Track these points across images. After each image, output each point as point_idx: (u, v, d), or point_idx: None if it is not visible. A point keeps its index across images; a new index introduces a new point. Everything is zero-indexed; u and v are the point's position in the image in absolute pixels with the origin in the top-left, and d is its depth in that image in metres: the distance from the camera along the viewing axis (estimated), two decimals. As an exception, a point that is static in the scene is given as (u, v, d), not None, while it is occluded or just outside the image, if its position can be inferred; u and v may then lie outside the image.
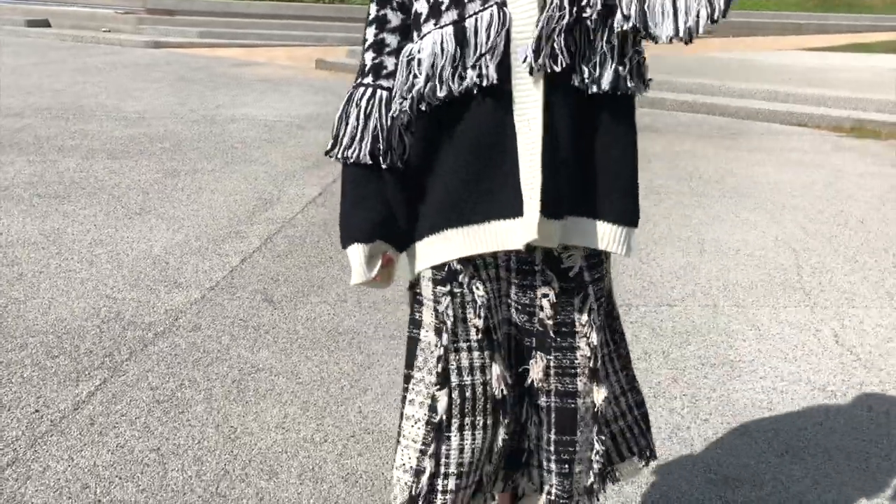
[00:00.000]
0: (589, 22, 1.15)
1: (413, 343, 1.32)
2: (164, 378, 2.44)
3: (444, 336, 1.27)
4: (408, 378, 1.33)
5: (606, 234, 1.26)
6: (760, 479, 2.07)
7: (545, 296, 1.29)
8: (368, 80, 1.26)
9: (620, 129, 1.25)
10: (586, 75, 1.18)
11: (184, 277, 3.22)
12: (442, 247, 1.26)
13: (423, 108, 1.21)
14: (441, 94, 1.18)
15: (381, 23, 1.25)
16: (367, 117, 1.25)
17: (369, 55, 1.26)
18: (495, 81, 1.17)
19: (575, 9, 1.14)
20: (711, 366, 2.67)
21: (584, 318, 1.30)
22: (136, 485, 1.94)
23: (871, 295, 3.34)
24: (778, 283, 3.44)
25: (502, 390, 1.29)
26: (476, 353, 1.28)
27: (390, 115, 1.24)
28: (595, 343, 1.31)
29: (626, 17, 1.14)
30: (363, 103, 1.25)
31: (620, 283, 3.28)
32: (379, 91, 1.25)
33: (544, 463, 1.36)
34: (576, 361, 1.31)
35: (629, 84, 1.20)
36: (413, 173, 1.27)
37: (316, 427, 2.22)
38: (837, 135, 7.05)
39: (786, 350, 2.80)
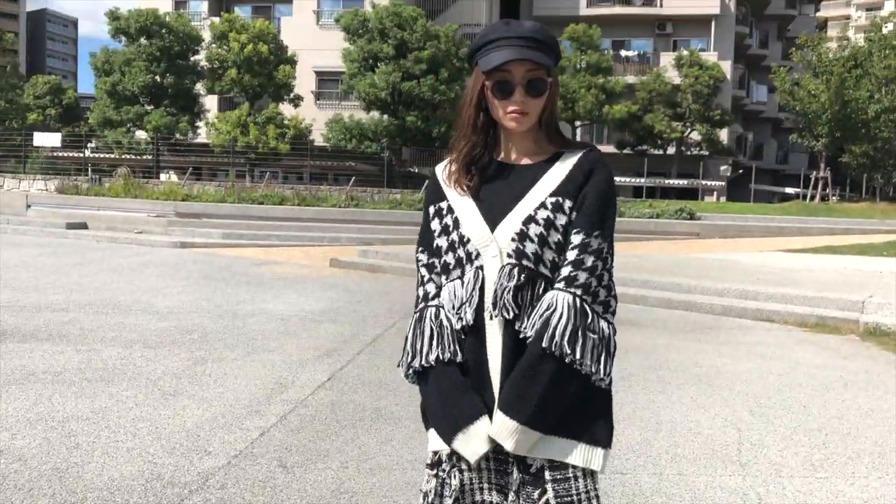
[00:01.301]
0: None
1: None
2: (197, 526, 2.99)
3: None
4: None
5: (561, 447, 1.60)
6: None
7: (513, 482, 1.63)
8: (433, 303, 1.69)
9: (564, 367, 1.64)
10: (525, 324, 1.58)
11: (212, 447, 3.83)
12: (436, 438, 1.67)
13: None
14: (457, 326, 1.65)
15: (429, 268, 1.73)
16: (440, 327, 1.65)
17: (429, 286, 1.71)
18: (471, 323, 1.60)
19: (523, 276, 1.57)
20: (650, 522, 3.20)
21: None
22: None
23: (798, 466, 3.89)
24: (719, 456, 4.00)
25: None
26: None
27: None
28: None
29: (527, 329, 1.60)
30: (433, 319, 1.67)
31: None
32: (441, 310, 1.67)
33: None
34: None
35: None
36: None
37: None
38: (802, 330, 7.74)
39: (715, 510, 3.33)
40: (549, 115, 1.65)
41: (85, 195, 18.36)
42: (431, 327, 1.64)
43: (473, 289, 1.59)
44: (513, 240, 1.58)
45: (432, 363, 1.63)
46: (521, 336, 1.58)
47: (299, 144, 28.44)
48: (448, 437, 1.61)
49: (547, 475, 1.60)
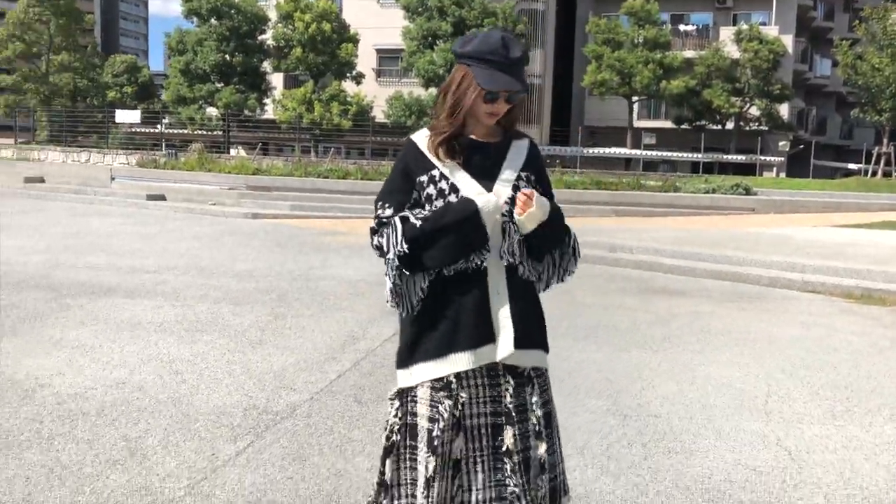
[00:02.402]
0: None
1: (413, 429, 2.08)
2: (290, 443, 3.60)
3: (441, 422, 2.03)
4: (405, 449, 2.09)
5: (542, 357, 2.16)
6: (689, 513, 3.04)
7: (507, 387, 2.08)
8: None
9: (535, 296, 2.19)
10: (525, 268, 2.10)
11: (297, 385, 4.44)
12: (447, 364, 2.06)
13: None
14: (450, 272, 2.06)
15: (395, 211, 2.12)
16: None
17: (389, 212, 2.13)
18: (481, 266, 2.05)
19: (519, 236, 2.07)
20: (675, 452, 3.67)
21: (533, 399, 2.10)
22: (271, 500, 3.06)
23: (819, 416, 4.30)
24: (746, 406, 4.43)
25: (461, 450, 2.05)
26: (449, 432, 2.03)
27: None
28: (539, 415, 2.10)
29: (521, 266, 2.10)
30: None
31: (622, 401, 4.35)
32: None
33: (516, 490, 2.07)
34: (528, 427, 2.09)
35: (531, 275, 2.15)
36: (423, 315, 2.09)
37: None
38: (847, 301, 7.98)
39: (734, 446, 3.79)
40: (514, 114, 2.16)
41: (162, 169, 19.39)
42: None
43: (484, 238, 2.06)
44: (506, 202, 2.06)
45: (403, 230, 2.04)
46: (521, 275, 2.10)
47: (361, 121, 29.15)
48: (471, 206, 2.02)
49: (532, 374, 2.14)
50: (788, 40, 36.00)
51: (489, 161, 2.12)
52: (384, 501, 2.12)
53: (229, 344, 5.28)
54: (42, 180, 20.19)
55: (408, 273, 2.05)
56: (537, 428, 2.09)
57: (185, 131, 31.69)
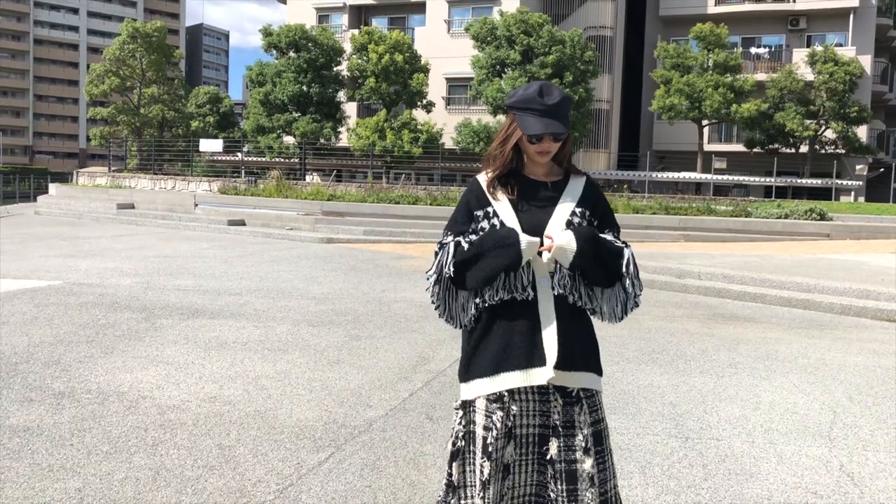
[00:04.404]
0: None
1: (473, 436, 2.30)
2: (367, 455, 3.88)
3: (494, 431, 2.25)
4: (470, 454, 2.30)
5: (592, 379, 2.32)
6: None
7: (556, 405, 2.27)
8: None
9: (587, 322, 2.37)
10: (575, 297, 2.29)
11: (372, 402, 4.73)
12: (499, 382, 2.27)
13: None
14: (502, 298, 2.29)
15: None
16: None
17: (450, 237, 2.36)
18: (531, 297, 2.27)
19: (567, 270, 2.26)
20: (736, 474, 3.80)
21: (581, 418, 2.27)
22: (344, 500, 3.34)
23: (885, 444, 4.33)
24: (810, 432, 4.49)
25: (512, 456, 2.26)
26: (501, 440, 2.25)
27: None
28: (587, 433, 2.25)
29: (579, 298, 2.31)
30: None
31: (685, 424, 4.48)
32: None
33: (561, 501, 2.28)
34: (575, 442, 2.26)
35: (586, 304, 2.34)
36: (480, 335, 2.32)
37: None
38: (923, 330, 7.86)
39: (796, 470, 3.88)
40: (561, 149, 2.37)
41: (242, 195, 20.24)
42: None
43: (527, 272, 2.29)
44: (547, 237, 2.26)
45: (455, 251, 2.27)
46: (572, 303, 2.30)
47: (431, 147, 29.70)
48: (513, 249, 2.20)
49: (582, 394, 2.32)
50: (867, 61, 35.06)
51: (547, 198, 2.34)
52: (452, 501, 2.36)
53: (309, 363, 5.62)
54: (132, 206, 21.34)
55: (450, 287, 2.30)
56: (585, 444, 2.26)
57: (264, 159, 32.91)
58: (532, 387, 2.28)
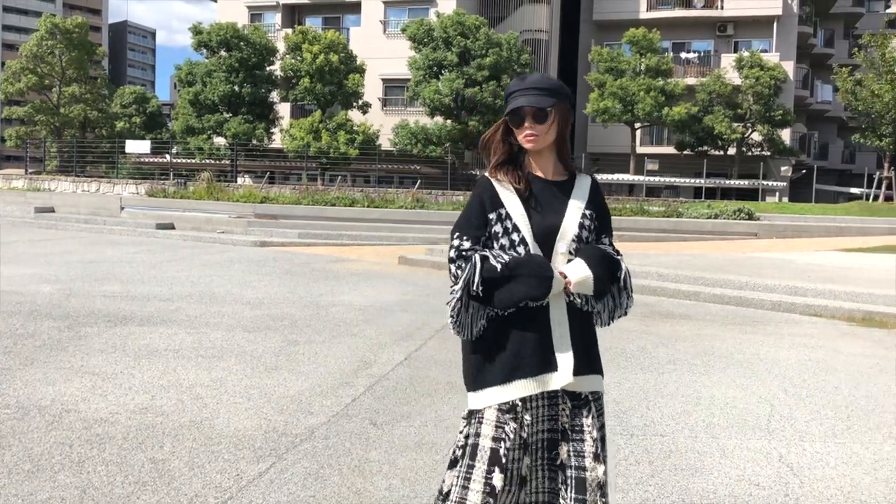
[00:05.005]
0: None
1: (474, 448, 2.22)
2: (310, 463, 3.74)
3: (507, 442, 2.18)
4: (463, 467, 2.21)
5: (599, 381, 2.31)
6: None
7: (564, 409, 2.25)
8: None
9: (592, 325, 2.35)
10: (582, 301, 2.25)
11: (314, 409, 4.59)
12: (511, 390, 2.21)
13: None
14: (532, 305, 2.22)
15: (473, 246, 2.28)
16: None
17: (467, 244, 2.28)
18: (545, 302, 2.21)
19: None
20: (681, 469, 3.81)
21: (589, 421, 2.25)
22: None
23: (820, 434, 4.42)
24: (749, 425, 4.56)
25: (528, 467, 2.23)
26: (516, 451, 2.19)
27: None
28: (596, 437, 2.23)
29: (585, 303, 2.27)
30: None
31: (629, 421, 4.48)
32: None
33: None
34: (584, 447, 2.24)
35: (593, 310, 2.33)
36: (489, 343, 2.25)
37: (408, 489, 3.46)
38: (848, 324, 8.12)
39: (738, 463, 3.92)
40: (561, 143, 2.32)
41: (171, 198, 19.67)
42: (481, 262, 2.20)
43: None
44: (573, 240, 2.25)
45: (481, 267, 2.19)
46: (582, 308, 2.27)
47: (368, 149, 29.49)
48: (542, 283, 2.15)
49: (590, 397, 2.30)
50: (789, 66, 36.41)
51: (556, 199, 2.28)
52: None
53: (246, 369, 5.43)
54: (52, 210, 20.49)
55: (473, 306, 2.22)
56: (595, 450, 2.23)
57: (194, 161, 32.09)
58: (542, 392, 2.23)
